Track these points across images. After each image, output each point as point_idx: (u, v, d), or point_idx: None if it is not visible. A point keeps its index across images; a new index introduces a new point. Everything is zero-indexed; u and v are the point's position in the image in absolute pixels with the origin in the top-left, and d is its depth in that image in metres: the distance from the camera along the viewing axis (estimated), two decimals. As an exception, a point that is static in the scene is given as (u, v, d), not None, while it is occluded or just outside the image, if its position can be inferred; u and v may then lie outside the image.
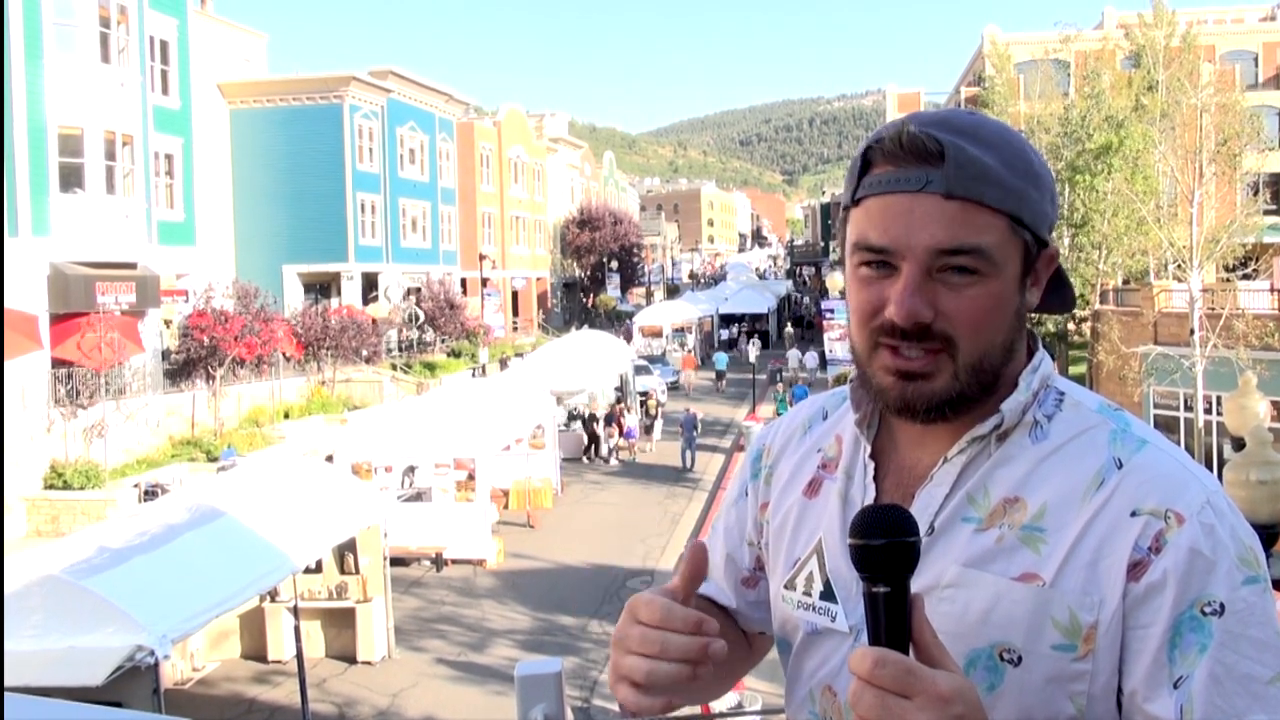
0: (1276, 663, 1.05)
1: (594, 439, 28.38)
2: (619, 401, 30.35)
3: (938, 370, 1.15)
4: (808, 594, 1.28)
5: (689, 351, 49.38)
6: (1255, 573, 1.08)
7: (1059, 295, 1.27)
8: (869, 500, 1.25)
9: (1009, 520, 1.15)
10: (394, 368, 34.59)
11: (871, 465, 1.28)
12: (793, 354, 45.78)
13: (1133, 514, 1.10)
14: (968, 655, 1.12)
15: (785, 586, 1.31)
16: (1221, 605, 1.05)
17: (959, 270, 1.13)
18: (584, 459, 27.90)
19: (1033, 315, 1.29)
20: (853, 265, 1.18)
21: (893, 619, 0.97)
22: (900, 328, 1.13)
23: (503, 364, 37.52)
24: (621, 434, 28.54)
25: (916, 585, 1.14)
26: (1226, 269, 26.35)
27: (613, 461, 27.86)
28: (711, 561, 1.48)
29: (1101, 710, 1.11)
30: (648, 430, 29.39)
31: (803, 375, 41.28)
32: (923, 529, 1.16)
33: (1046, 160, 1.25)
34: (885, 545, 0.97)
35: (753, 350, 39.64)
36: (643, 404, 31.52)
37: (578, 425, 28.58)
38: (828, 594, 1.25)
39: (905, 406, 1.17)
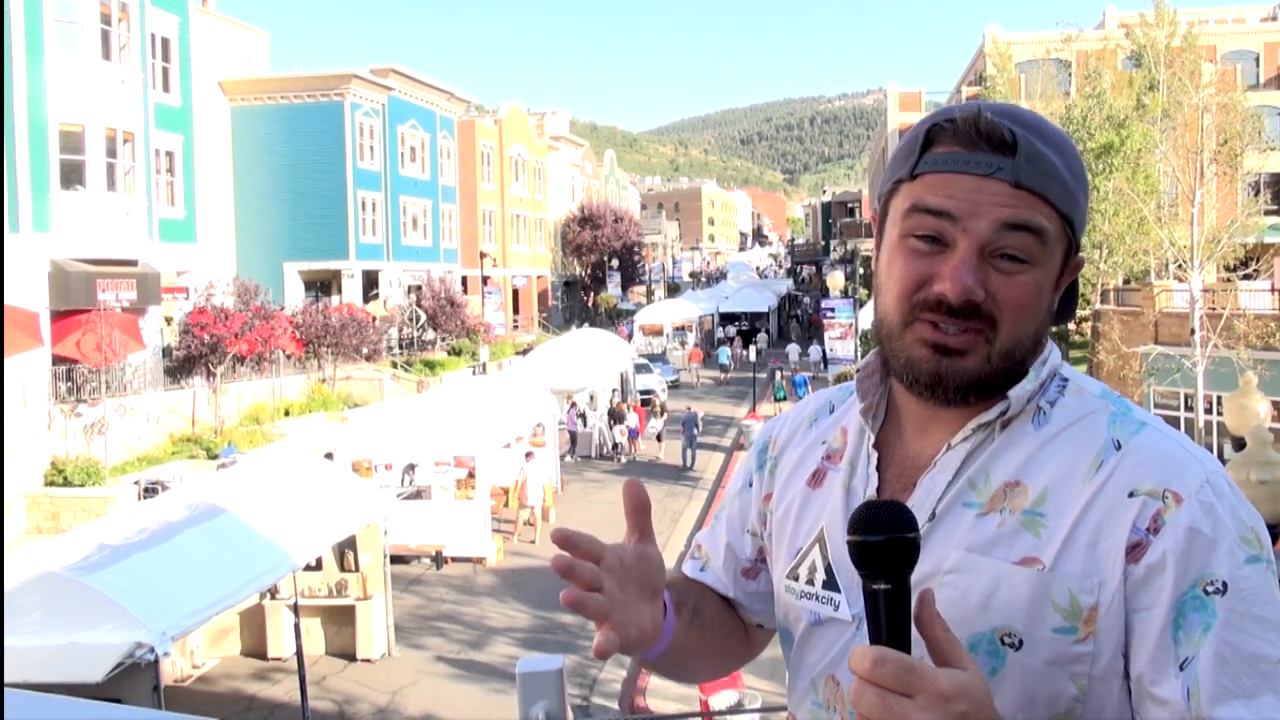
0: None
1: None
2: (623, 400, 30.39)
3: (973, 349, 1.16)
4: (810, 583, 1.28)
5: (695, 346, 49.72)
6: (1258, 552, 1.08)
7: (1065, 306, 1.28)
8: (871, 490, 1.26)
9: (1010, 504, 1.16)
10: (394, 365, 34.60)
11: (875, 455, 1.28)
12: (793, 348, 45.84)
13: (1130, 495, 1.11)
14: (969, 640, 1.12)
15: (788, 576, 1.32)
16: (1224, 584, 1.05)
17: (1011, 257, 1.15)
18: (615, 458, 27.89)
19: None
20: (899, 235, 1.19)
21: (893, 616, 0.96)
22: (950, 304, 1.14)
23: (524, 352, 37.61)
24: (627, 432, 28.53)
25: (918, 572, 1.15)
26: (1227, 269, 26.34)
27: (622, 459, 27.86)
28: (712, 551, 1.50)
29: (1103, 692, 1.11)
30: (656, 436, 29.10)
31: (806, 373, 41.30)
32: (925, 516, 1.19)
33: None
34: (884, 541, 0.96)
35: (752, 350, 39.63)
36: (645, 404, 31.46)
37: (579, 423, 28.55)
38: (830, 583, 1.26)
39: (937, 381, 1.18)
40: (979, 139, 1.16)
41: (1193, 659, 1.04)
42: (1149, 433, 1.16)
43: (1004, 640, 1.12)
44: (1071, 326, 31.65)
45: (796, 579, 1.30)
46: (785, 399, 35.26)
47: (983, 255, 1.14)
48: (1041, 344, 1.22)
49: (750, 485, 1.46)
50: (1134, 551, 1.09)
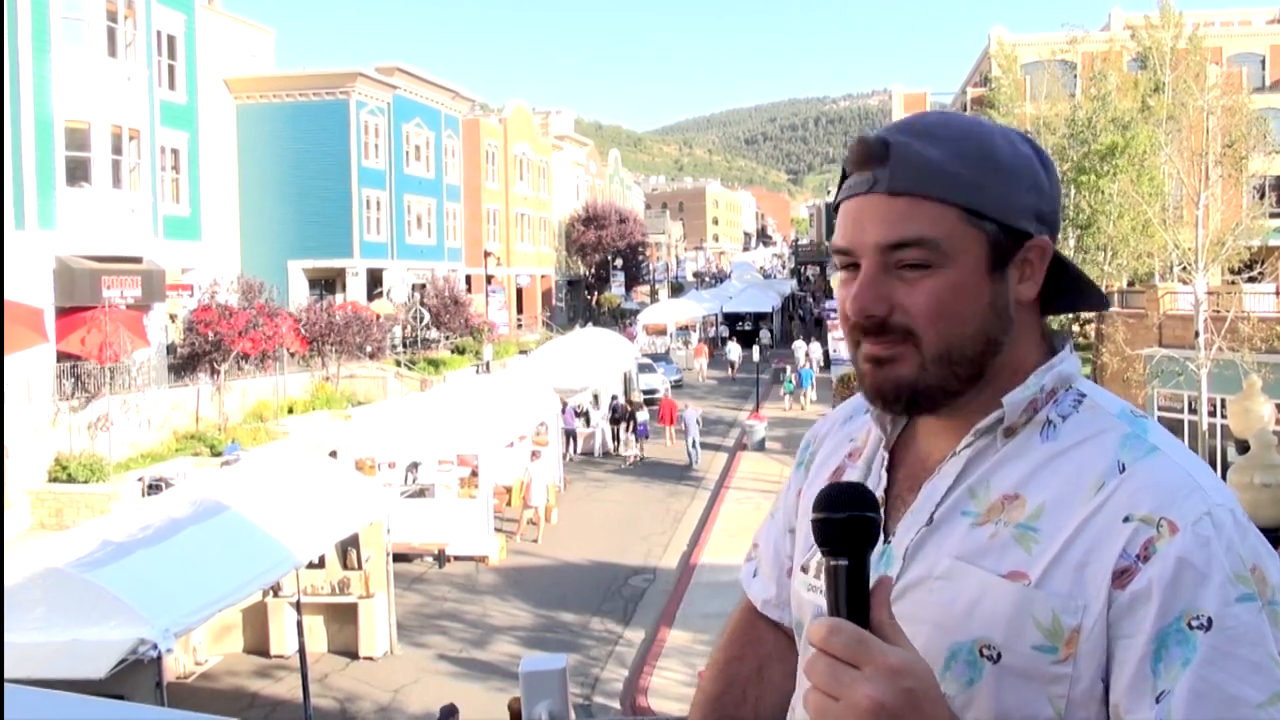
0: (1268, 686, 1.01)
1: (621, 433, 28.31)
2: (626, 399, 30.34)
3: (903, 358, 1.17)
4: (818, 577, 1.29)
5: (700, 341, 49.98)
6: (1252, 590, 1.04)
7: (1072, 291, 1.27)
8: (880, 491, 1.28)
9: (1005, 516, 1.15)
10: (398, 364, 34.61)
11: (885, 457, 1.30)
12: (798, 345, 45.90)
13: (1125, 519, 1.08)
14: (950, 648, 1.12)
15: (801, 569, 1.34)
16: (1209, 620, 1.02)
17: (911, 265, 1.16)
18: (623, 459, 27.74)
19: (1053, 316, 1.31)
20: (839, 269, 1.23)
21: (851, 592, 0.97)
22: (860, 324, 1.18)
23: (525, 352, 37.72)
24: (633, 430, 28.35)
25: (910, 575, 1.16)
26: (1232, 271, 26.31)
27: (633, 455, 27.70)
28: (765, 550, 1.54)
29: (1080, 716, 1.09)
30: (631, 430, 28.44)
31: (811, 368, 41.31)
32: (923, 520, 1.20)
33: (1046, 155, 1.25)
34: (845, 519, 0.98)
35: (755, 349, 39.63)
36: (650, 403, 31.30)
37: (578, 423, 28.45)
38: None
39: (878, 392, 1.21)
40: (859, 159, 1.19)
41: (1169, 692, 1.02)
42: (1158, 458, 1.13)
43: (983, 652, 1.11)
44: (1075, 329, 31.60)
45: (806, 572, 1.32)
46: (791, 392, 36.08)
47: (886, 270, 1.17)
48: (999, 344, 1.20)
49: (791, 486, 1.50)
50: (1121, 577, 1.07)
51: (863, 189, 1.18)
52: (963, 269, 1.16)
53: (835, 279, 1.29)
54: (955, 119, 1.22)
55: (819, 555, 1.29)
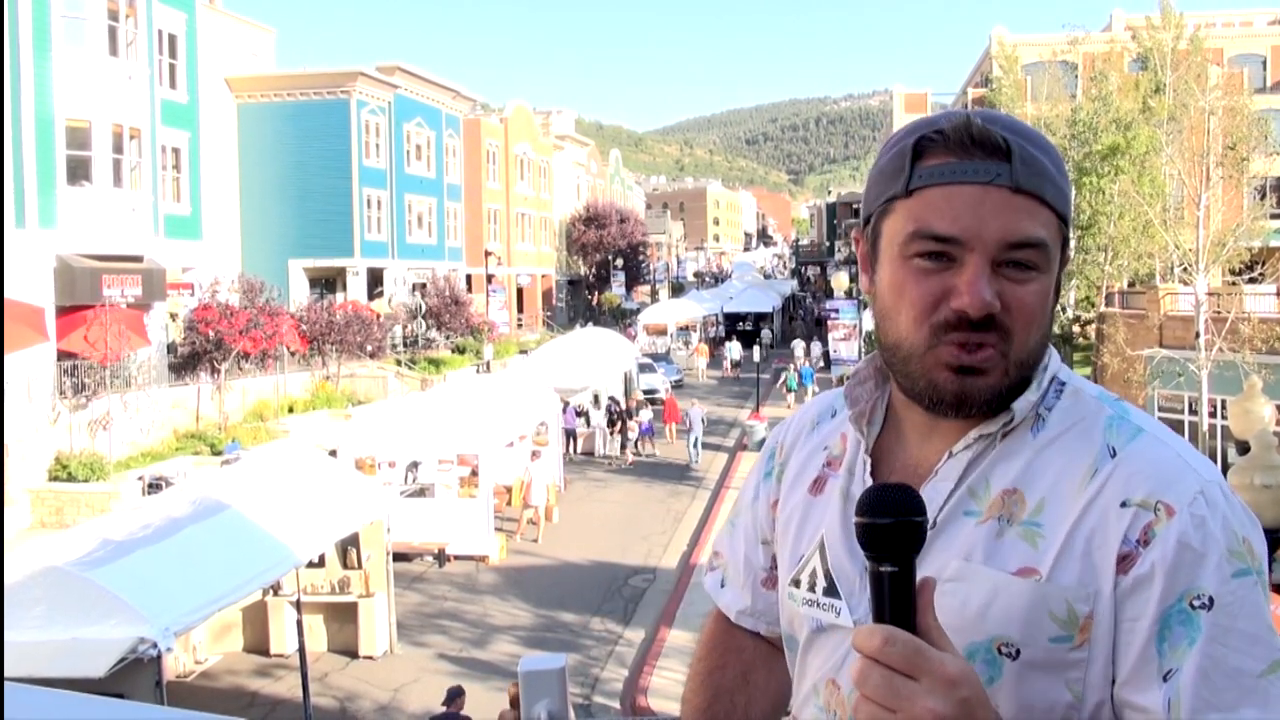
0: (1266, 656, 1.04)
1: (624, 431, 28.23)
2: (625, 400, 30.35)
3: (993, 366, 1.15)
4: (812, 590, 1.28)
5: (700, 341, 50.05)
6: (1246, 565, 1.07)
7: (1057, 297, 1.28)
8: None
9: (1007, 513, 1.15)
10: (398, 363, 34.62)
11: (868, 462, 1.28)
12: (798, 344, 45.91)
13: (1123, 505, 1.10)
14: (966, 648, 1.12)
15: (790, 584, 1.33)
16: (1211, 599, 1.05)
17: (1018, 265, 1.14)
18: (621, 458, 27.66)
19: None
20: (903, 257, 1.17)
21: (898, 599, 0.95)
22: (970, 319, 1.12)
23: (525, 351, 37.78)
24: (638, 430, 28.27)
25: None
26: (1233, 272, 26.30)
27: (629, 457, 27.71)
28: (731, 559, 1.51)
29: (1096, 699, 1.11)
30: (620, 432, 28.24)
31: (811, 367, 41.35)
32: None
33: None
34: (892, 524, 0.96)
35: (756, 350, 39.67)
36: (653, 403, 31.26)
37: (578, 422, 28.44)
38: (831, 590, 1.26)
39: (962, 401, 1.16)
40: (973, 146, 1.14)
41: (1176, 671, 1.04)
42: (1145, 439, 1.15)
43: (1001, 650, 1.11)
44: (1076, 329, 31.60)
45: (798, 586, 1.31)
46: (795, 389, 36.26)
47: (992, 266, 1.13)
48: (1046, 348, 1.22)
49: (759, 496, 1.47)
50: (1123, 563, 1.08)
51: (981, 178, 1.13)
52: (1051, 275, 1.17)
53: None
54: (1027, 124, 1.21)
55: (811, 567, 1.29)
